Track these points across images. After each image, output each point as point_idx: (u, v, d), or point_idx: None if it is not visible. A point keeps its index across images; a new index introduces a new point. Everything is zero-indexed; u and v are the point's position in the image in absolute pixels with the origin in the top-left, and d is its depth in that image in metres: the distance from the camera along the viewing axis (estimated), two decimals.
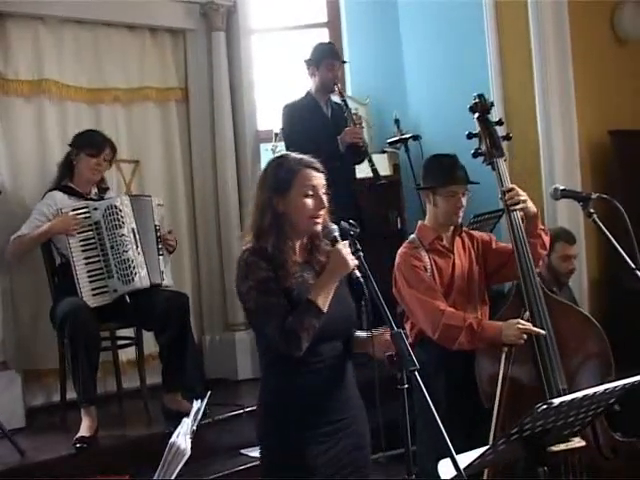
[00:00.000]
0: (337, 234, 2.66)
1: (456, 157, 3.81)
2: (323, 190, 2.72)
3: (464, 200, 3.70)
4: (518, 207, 3.57)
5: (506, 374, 3.33)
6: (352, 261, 2.60)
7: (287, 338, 2.56)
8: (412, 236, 3.79)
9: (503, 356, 3.35)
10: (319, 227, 2.72)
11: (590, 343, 3.53)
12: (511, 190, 3.57)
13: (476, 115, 3.78)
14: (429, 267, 3.65)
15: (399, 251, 3.74)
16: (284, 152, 2.93)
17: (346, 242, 2.65)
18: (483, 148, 3.73)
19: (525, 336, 3.35)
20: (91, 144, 4.60)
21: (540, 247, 3.68)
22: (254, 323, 2.74)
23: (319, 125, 5.30)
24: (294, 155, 2.79)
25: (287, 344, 2.57)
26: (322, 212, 2.71)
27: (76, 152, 4.61)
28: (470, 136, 3.78)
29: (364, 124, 6.30)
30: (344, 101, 5.44)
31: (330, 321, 2.61)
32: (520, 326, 3.35)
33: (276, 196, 2.70)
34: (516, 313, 3.47)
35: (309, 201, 2.69)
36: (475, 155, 3.74)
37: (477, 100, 3.79)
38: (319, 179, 2.72)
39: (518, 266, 3.52)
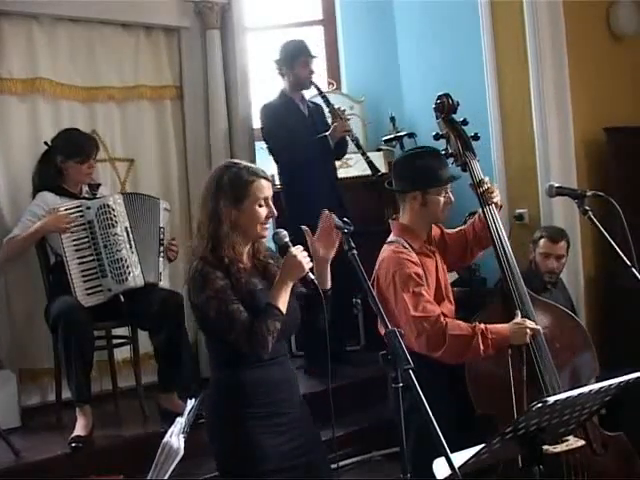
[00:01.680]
0: (288, 239, 2.83)
1: (439, 153, 3.66)
2: (271, 199, 2.89)
3: (451, 196, 3.60)
4: (496, 198, 3.55)
5: (521, 376, 3.31)
6: (307, 264, 2.76)
7: (254, 342, 2.70)
8: (396, 238, 3.56)
9: (510, 360, 3.33)
10: (266, 233, 2.90)
11: (574, 341, 3.52)
12: (485, 181, 3.57)
13: (442, 116, 3.69)
14: (423, 274, 3.45)
15: (389, 254, 3.49)
16: (233, 160, 3.01)
17: (299, 246, 2.80)
18: (452, 150, 3.67)
19: (531, 337, 3.33)
20: (79, 152, 4.55)
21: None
22: (215, 331, 2.81)
23: (298, 124, 5.27)
24: (244, 164, 2.91)
25: (254, 347, 2.71)
26: (270, 220, 2.89)
27: (62, 159, 4.55)
28: (437, 137, 3.71)
29: (359, 123, 6.30)
30: (324, 97, 5.39)
31: (283, 321, 2.76)
32: (529, 325, 3.32)
33: (231, 206, 2.81)
34: (502, 315, 3.44)
35: (262, 210, 2.85)
36: (446, 157, 3.66)
37: (443, 100, 3.70)
38: (270, 189, 2.89)
39: (500, 264, 3.49)
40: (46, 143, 4.63)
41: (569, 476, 3.28)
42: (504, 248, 3.50)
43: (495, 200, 3.57)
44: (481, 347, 3.26)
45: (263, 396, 2.81)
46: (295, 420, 2.89)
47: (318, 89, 5.43)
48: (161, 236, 4.67)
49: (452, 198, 3.59)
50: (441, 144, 3.73)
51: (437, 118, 3.74)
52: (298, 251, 2.77)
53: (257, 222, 2.84)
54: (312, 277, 2.78)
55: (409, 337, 3.27)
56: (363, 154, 5.35)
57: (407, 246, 3.50)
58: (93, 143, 4.67)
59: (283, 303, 2.75)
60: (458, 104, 3.71)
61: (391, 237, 3.61)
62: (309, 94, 5.56)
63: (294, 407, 2.92)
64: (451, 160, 3.67)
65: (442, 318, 3.34)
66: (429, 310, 3.33)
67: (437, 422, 2.14)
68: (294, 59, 5.30)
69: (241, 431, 2.78)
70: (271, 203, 2.88)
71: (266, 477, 2.78)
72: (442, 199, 3.54)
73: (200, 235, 2.86)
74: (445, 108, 3.69)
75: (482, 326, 3.33)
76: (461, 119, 3.73)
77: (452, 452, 2.12)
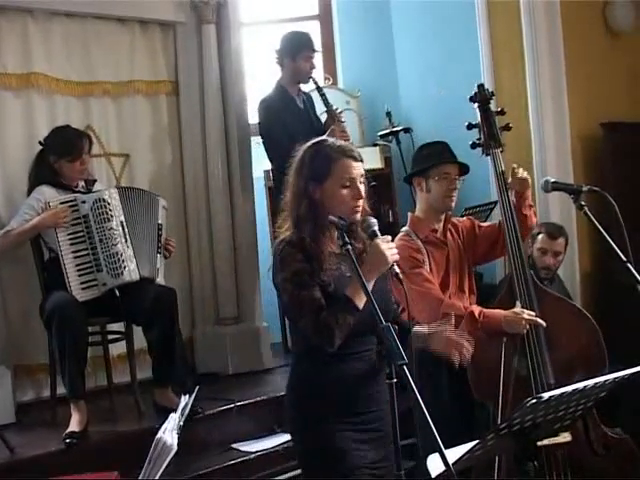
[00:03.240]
0: (376, 228, 2.64)
1: (446, 143, 3.82)
2: (361, 180, 2.69)
3: (458, 184, 3.67)
4: (523, 175, 3.61)
5: (509, 365, 3.31)
6: (392, 256, 2.57)
7: (321, 333, 2.56)
8: (405, 228, 3.76)
9: (503, 346, 3.34)
10: (358, 216, 2.69)
11: (582, 336, 3.52)
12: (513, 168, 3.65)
13: (476, 105, 3.78)
14: (426, 260, 3.62)
15: (394, 243, 3.66)
16: (322, 138, 2.83)
17: (386, 237, 2.62)
18: (481, 139, 3.74)
19: (528, 326, 3.34)
20: (69, 150, 4.51)
21: (534, 215, 3.78)
22: (288, 314, 2.77)
23: (295, 118, 5.22)
24: (332, 142, 2.76)
25: (320, 338, 2.57)
26: (360, 202, 2.68)
27: (54, 159, 4.53)
28: (470, 127, 3.79)
29: (355, 118, 6.29)
30: (323, 95, 5.33)
31: (366, 316, 2.54)
32: (526, 316, 3.34)
33: (312, 184, 2.68)
34: (507, 304, 3.46)
35: (346, 192, 2.67)
36: (473, 146, 3.75)
37: (477, 90, 3.80)
38: (358, 169, 2.69)
39: (508, 251, 3.56)
40: (41, 143, 4.61)
41: (550, 471, 3.27)
42: (516, 236, 3.57)
43: (524, 175, 3.65)
44: (466, 328, 3.33)
45: (344, 394, 2.69)
46: (379, 419, 2.73)
47: (317, 86, 5.38)
48: (159, 232, 4.66)
49: (457, 185, 3.67)
50: (465, 137, 3.81)
51: (474, 107, 3.84)
52: (384, 241, 2.58)
53: (341, 204, 2.65)
54: (397, 271, 2.56)
55: (417, 316, 3.36)
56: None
57: (413, 235, 3.69)
58: (84, 140, 4.61)
59: (360, 297, 2.54)
60: (492, 94, 3.83)
61: (403, 228, 3.79)
62: (309, 88, 5.52)
63: (377, 405, 2.74)
64: (480, 149, 3.76)
65: (439, 295, 3.49)
66: (426, 287, 3.50)
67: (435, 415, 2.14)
68: (298, 51, 5.23)
69: (324, 433, 2.67)
70: (359, 184, 2.67)
71: (349, 477, 2.66)
72: (444, 184, 3.66)
73: (284, 215, 2.74)
74: (479, 97, 3.79)
75: (475, 309, 3.43)
76: (499, 109, 3.87)
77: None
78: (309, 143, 2.79)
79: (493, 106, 3.85)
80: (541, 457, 3.19)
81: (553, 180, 3.59)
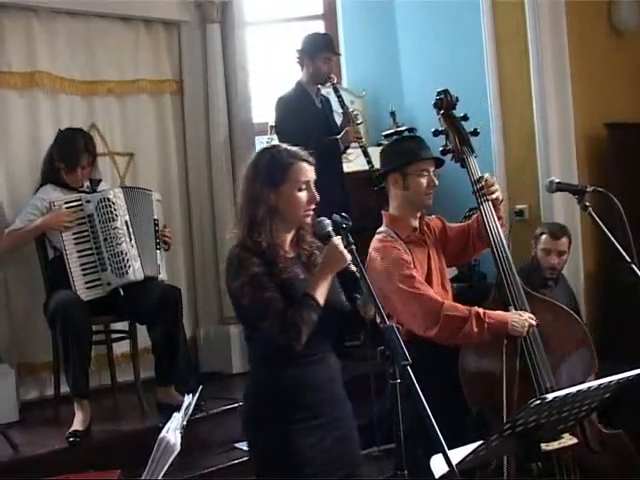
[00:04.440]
0: (331, 229, 2.67)
1: (421, 137, 3.68)
2: (313, 183, 2.74)
3: (435, 180, 3.57)
4: (495, 194, 3.54)
5: (513, 368, 3.30)
6: (348, 255, 2.62)
7: (288, 331, 2.58)
8: (383, 228, 3.61)
9: (504, 350, 3.32)
10: (309, 220, 2.74)
11: (572, 340, 3.49)
12: (485, 178, 3.56)
13: (441, 112, 3.70)
14: (411, 260, 3.48)
15: (376, 245, 3.54)
16: (274, 143, 2.89)
17: (340, 237, 2.66)
18: (450, 145, 3.67)
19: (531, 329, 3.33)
20: (67, 160, 4.51)
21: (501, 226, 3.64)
22: (249, 318, 2.73)
23: (312, 117, 5.27)
24: (286, 147, 2.79)
25: (288, 337, 2.59)
26: (313, 205, 2.73)
27: (58, 164, 4.54)
28: (436, 133, 3.70)
29: (359, 117, 6.29)
30: (340, 97, 5.37)
31: (322, 315, 2.62)
32: (527, 318, 3.32)
33: (269, 189, 2.70)
34: (498, 308, 3.43)
35: (302, 195, 2.71)
36: (443, 153, 3.67)
37: (442, 96, 3.71)
38: (312, 173, 2.75)
39: (495, 258, 3.48)
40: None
41: (561, 474, 3.26)
42: (500, 245, 3.50)
43: (494, 196, 3.55)
44: (475, 330, 3.28)
45: (304, 398, 2.71)
46: (336, 420, 2.77)
47: (335, 87, 5.43)
48: (156, 228, 4.66)
49: (436, 182, 3.56)
50: (441, 140, 3.72)
51: (437, 114, 3.73)
52: (340, 241, 2.64)
53: (297, 207, 2.70)
54: (354, 269, 2.64)
55: (408, 321, 3.38)
56: (369, 163, 5.30)
57: (394, 235, 3.54)
58: (82, 148, 4.54)
59: (321, 294, 2.61)
60: (457, 100, 3.71)
61: (380, 228, 3.64)
62: (325, 91, 5.55)
63: (336, 407, 2.79)
64: (450, 156, 3.67)
65: (437, 297, 3.38)
66: (421, 290, 3.38)
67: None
68: (317, 52, 5.29)
69: (281, 435, 2.68)
70: (313, 188, 2.74)
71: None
72: (424, 181, 3.52)
73: (239, 220, 2.77)
74: (444, 104, 3.69)
75: (480, 310, 3.34)
76: (462, 114, 3.73)
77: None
78: (261, 149, 2.86)
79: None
80: (553, 461, 3.17)
81: (557, 181, 3.58)
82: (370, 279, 3.38)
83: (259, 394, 2.77)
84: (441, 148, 3.67)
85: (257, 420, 2.76)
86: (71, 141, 4.58)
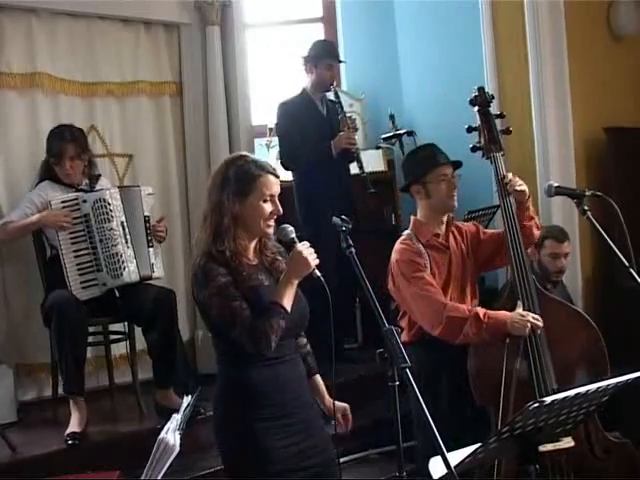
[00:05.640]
0: (294, 235, 2.77)
1: (434, 144, 3.79)
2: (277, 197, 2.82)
3: (457, 182, 3.65)
4: (519, 187, 3.58)
5: (513, 368, 3.31)
6: (313, 261, 2.69)
7: (258, 340, 2.64)
8: (407, 232, 3.73)
9: (506, 349, 3.34)
10: (271, 230, 2.82)
11: (583, 342, 3.50)
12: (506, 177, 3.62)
13: (476, 108, 3.77)
14: (427, 263, 3.59)
15: (396, 247, 3.67)
16: (242, 153, 2.92)
17: (305, 242, 2.74)
18: (482, 142, 3.73)
19: (532, 329, 3.34)
20: (53, 153, 4.53)
21: (535, 227, 3.72)
22: (218, 328, 2.77)
23: (314, 123, 5.29)
24: (254, 158, 2.85)
25: (257, 345, 2.65)
26: (274, 217, 2.80)
27: (50, 161, 4.56)
28: (470, 130, 3.78)
29: (358, 121, 6.30)
30: (339, 103, 5.40)
31: (289, 319, 2.69)
32: (531, 318, 3.34)
33: (234, 198, 2.75)
34: (509, 308, 3.46)
35: (267, 206, 2.78)
36: (474, 149, 3.74)
37: (477, 93, 3.79)
38: (277, 186, 2.83)
39: (510, 254, 3.53)
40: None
41: (554, 475, 3.27)
42: (517, 239, 3.55)
43: (519, 188, 3.60)
44: (472, 330, 3.38)
45: (271, 397, 2.75)
46: (304, 421, 2.82)
47: (336, 93, 5.46)
48: (147, 225, 4.64)
49: (456, 183, 3.64)
50: (468, 139, 3.79)
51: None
52: (304, 247, 2.70)
53: (261, 218, 2.76)
54: (318, 274, 2.69)
55: (418, 320, 3.54)
56: (360, 168, 5.31)
57: (414, 239, 3.65)
58: (68, 139, 4.53)
59: (288, 301, 2.68)
60: (493, 97, 3.83)
61: (405, 232, 3.76)
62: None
63: (303, 407, 2.84)
64: (480, 153, 3.74)
65: (441, 299, 3.47)
66: (429, 291, 3.48)
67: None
68: (319, 59, 5.34)
69: (249, 432, 2.72)
70: (277, 200, 2.81)
71: (273, 479, 2.72)
72: (443, 186, 3.62)
73: (203, 227, 2.81)
74: (479, 101, 3.77)
75: (480, 311, 3.41)
76: (498, 112, 3.86)
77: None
78: (229, 158, 2.90)
79: (493, 109, 3.84)
80: (546, 462, 3.18)
81: (556, 185, 3.59)
82: (391, 279, 3.60)
83: (229, 394, 2.82)
84: (471, 145, 3.75)
85: (226, 420, 2.81)
86: (57, 135, 4.59)
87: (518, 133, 5.52)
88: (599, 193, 3.49)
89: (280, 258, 2.88)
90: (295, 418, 2.79)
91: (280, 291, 2.69)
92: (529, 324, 3.32)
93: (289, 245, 2.75)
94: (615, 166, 5.49)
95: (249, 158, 2.84)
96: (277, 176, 2.83)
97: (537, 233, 3.77)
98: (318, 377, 3.03)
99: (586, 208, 3.39)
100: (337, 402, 2.98)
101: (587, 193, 3.45)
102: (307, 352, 3.02)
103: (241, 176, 2.77)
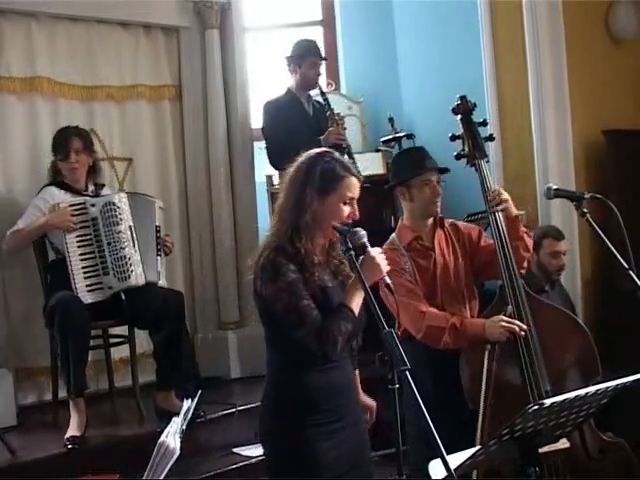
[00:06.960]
0: (366, 240, 2.68)
1: (423, 148, 3.81)
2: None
3: (441, 189, 3.65)
4: (500, 207, 3.57)
5: (490, 372, 3.32)
6: (385, 267, 2.64)
7: (326, 342, 2.60)
8: (392, 236, 3.72)
9: (486, 354, 3.35)
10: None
11: (574, 345, 3.52)
12: (494, 190, 3.61)
13: (459, 117, 3.77)
14: (408, 268, 3.57)
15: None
16: (327, 150, 2.86)
17: (377, 248, 2.70)
18: (465, 150, 3.73)
19: (508, 333, 3.34)
20: (59, 150, 4.56)
21: (523, 249, 3.65)
22: (282, 325, 2.69)
23: (301, 122, 5.31)
24: (338, 156, 2.80)
25: (324, 347, 2.61)
26: (350, 221, 2.74)
27: (57, 164, 4.60)
28: (453, 138, 3.78)
29: (357, 123, 6.31)
30: (326, 100, 5.41)
31: (355, 323, 2.66)
32: (503, 323, 3.36)
33: (316, 196, 2.70)
34: (499, 313, 3.46)
35: (345, 208, 2.73)
36: (458, 157, 3.74)
37: (460, 101, 3.79)
38: (358, 189, 2.77)
39: (501, 266, 3.52)
40: None
41: (550, 477, 3.27)
42: (506, 250, 3.53)
43: (500, 207, 3.58)
44: (450, 340, 3.42)
45: (326, 402, 2.72)
46: (350, 425, 2.78)
47: (322, 91, 5.46)
48: (158, 234, 4.66)
49: (440, 191, 3.64)
50: (457, 145, 3.78)
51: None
52: (377, 253, 2.66)
53: (338, 218, 2.70)
54: (388, 281, 2.63)
55: (405, 325, 3.54)
56: (353, 164, 5.30)
57: (396, 242, 3.65)
58: (73, 138, 4.57)
59: (357, 305, 2.64)
60: (475, 105, 3.81)
61: (391, 236, 3.74)
62: (315, 93, 5.57)
63: (352, 412, 2.81)
64: (465, 161, 3.73)
65: (421, 307, 3.48)
66: (408, 299, 3.47)
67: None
68: (303, 58, 5.36)
69: (301, 439, 2.68)
70: (355, 204, 2.75)
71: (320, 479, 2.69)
72: (427, 191, 3.61)
73: (280, 220, 2.75)
74: (462, 109, 3.77)
75: (457, 321, 3.44)
76: (481, 120, 3.83)
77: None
78: (314, 153, 2.81)
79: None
80: (542, 464, 3.18)
81: (555, 187, 3.58)
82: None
83: (280, 396, 2.78)
84: (456, 153, 3.74)
85: (276, 422, 2.76)
86: (63, 130, 4.64)
87: (517, 136, 5.55)
88: (598, 195, 3.49)
89: (346, 262, 2.80)
90: (343, 422, 2.76)
91: (350, 294, 2.65)
92: (503, 329, 3.33)
93: (361, 250, 2.66)
94: (614, 168, 5.49)
95: (335, 156, 2.80)
96: (360, 179, 2.79)
97: (525, 255, 3.68)
98: (356, 372, 2.99)
99: (585, 210, 3.39)
100: (367, 399, 2.99)
101: (586, 195, 3.45)
102: (353, 348, 2.93)
103: (326, 174, 2.71)
